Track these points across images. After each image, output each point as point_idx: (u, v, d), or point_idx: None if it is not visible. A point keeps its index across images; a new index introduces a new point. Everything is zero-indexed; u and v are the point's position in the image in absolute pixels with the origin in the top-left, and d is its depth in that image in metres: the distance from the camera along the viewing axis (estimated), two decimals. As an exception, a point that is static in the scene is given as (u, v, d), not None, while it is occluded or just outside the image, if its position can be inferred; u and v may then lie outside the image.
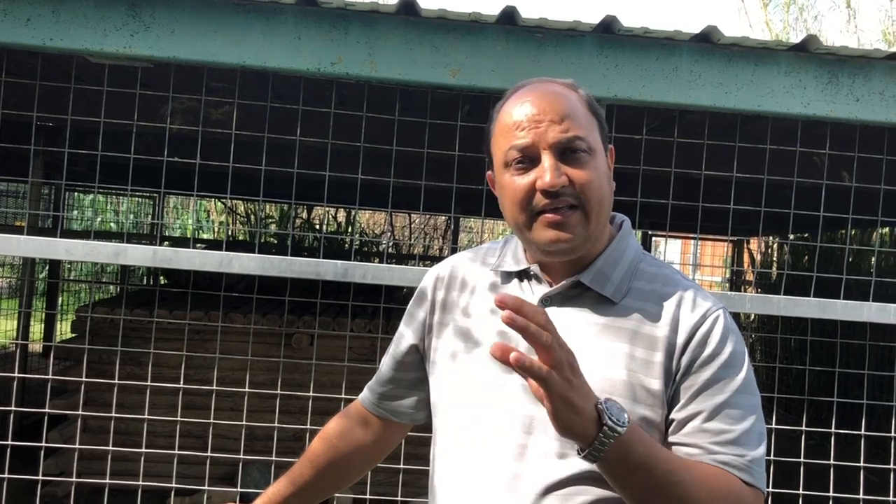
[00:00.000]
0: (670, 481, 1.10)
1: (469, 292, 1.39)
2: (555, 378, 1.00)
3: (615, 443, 1.05)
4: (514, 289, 1.34)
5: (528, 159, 1.23)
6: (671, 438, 1.21)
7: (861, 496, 2.95)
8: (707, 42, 2.51)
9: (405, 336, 1.48)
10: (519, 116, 1.24)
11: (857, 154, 2.81)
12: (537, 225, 1.24)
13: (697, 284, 1.32)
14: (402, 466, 2.81)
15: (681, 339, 1.22)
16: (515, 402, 1.26)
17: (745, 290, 8.34)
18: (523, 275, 1.35)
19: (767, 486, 1.89)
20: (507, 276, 1.36)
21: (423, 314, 1.44)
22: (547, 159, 1.21)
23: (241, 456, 3.02)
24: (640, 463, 1.08)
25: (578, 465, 1.19)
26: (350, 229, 9.28)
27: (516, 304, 1.00)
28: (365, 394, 1.56)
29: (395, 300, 5.29)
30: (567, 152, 1.22)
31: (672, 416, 1.21)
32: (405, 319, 1.49)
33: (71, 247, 2.48)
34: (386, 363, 1.52)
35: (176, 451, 2.99)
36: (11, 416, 2.85)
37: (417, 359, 1.47)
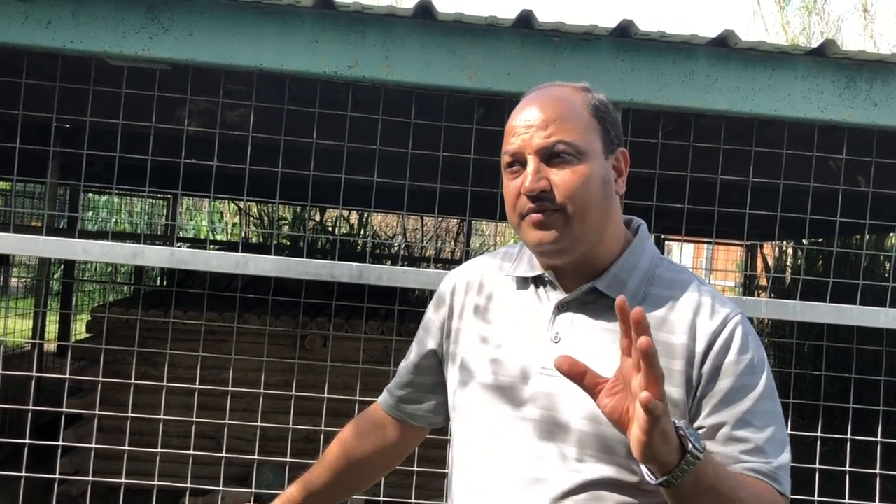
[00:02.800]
0: (734, 498, 1.10)
1: (487, 298, 1.39)
2: (665, 414, 1.00)
3: (694, 468, 1.04)
4: (531, 295, 1.34)
5: (519, 163, 1.27)
6: None
7: None
8: (724, 46, 2.51)
9: (424, 340, 1.48)
10: (515, 122, 1.29)
11: (874, 159, 2.79)
12: (524, 225, 1.27)
13: (715, 290, 1.31)
14: (415, 469, 2.81)
15: (700, 348, 1.22)
16: (534, 407, 1.26)
17: (759, 295, 8.30)
18: (538, 281, 1.35)
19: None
20: (524, 282, 1.36)
21: (442, 319, 1.45)
22: (531, 164, 1.25)
23: (255, 457, 3.03)
24: (709, 485, 1.07)
25: (597, 470, 1.19)
26: (363, 232, 9.29)
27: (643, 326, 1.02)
28: (383, 397, 1.57)
29: (406, 302, 5.30)
30: (552, 156, 1.25)
31: (697, 424, 1.21)
32: (424, 324, 1.49)
33: (89, 247, 2.50)
34: (404, 367, 1.53)
35: (190, 452, 3.00)
36: (29, 415, 2.86)
37: (436, 363, 1.47)
